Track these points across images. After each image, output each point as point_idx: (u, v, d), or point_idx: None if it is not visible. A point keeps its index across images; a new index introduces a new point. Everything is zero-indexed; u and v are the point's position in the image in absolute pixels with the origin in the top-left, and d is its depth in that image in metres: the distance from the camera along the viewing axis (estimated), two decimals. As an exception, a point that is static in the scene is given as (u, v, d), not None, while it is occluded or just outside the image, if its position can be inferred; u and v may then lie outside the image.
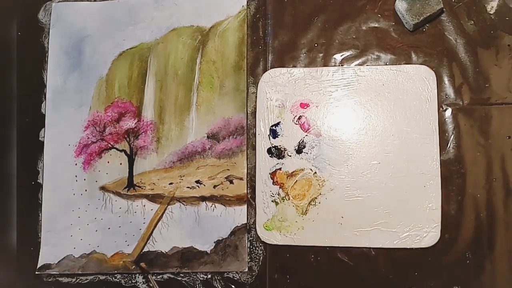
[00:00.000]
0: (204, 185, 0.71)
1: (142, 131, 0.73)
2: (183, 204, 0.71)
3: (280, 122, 0.70)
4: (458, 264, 0.64)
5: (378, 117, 0.68)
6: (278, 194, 0.69)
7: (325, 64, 0.71)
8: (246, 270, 0.68)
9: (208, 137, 0.72)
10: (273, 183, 0.69)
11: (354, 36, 0.71)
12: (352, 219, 0.66)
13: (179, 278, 0.69)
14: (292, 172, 0.69)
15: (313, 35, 0.72)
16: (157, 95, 0.74)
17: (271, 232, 0.68)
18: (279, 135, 0.70)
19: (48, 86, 0.76)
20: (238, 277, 0.68)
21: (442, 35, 0.69)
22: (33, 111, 0.76)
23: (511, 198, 0.64)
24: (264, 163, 0.69)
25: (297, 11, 0.73)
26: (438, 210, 0.65)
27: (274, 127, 0.70)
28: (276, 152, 0.69)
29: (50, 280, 0.72)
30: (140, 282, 0.70)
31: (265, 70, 0.72)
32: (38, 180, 0.75)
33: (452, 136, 0.67)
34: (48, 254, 0.72)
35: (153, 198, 0.72)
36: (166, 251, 0.70)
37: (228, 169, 0.71)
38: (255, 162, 0.70)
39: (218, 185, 0.70)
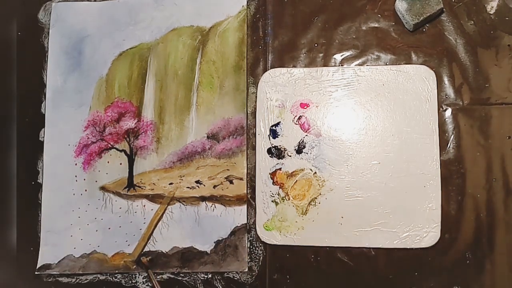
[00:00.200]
0: (204, 185, 0.71)
1: (142, 131, 0.74)
2: (183, 204, 0.71)
3: (280, 122, 0.70)
4: (458, 264, 0.64)
5: (378, 117, 0.68)
6: (278, 194, 0.69)
7: (325, 64, 0.71)
8: (246, 270, 0.68)
9: (208, 137, 0.72)
10: (273, 183, 0.69)
11: (354, 36, 0.71)
12: (352, 219, 0.66)
13: (179, 278, 0.69)
14: (292, 172, 0.69)
15: (313, 35, 0.72)
16: (157, 95, 0.74)
17: (271, 232, 0.68)
18: (279, 135, 0.70)
19: (48, 86, 0.76)
20: (238, 277, 0.68)
21: (442, 35, 0.69)
22: (33, 111, 0.76)
23: (511, 198, 0.64)
24: (264, 163, 0.69)
25: (297, 11, 0.73)
26: (438, 210, 0.65)
27: (274, 127, 0.70)
28: (276, 152, 0.69)
29: (50, 280, 0.72)
30: (140, 282, 0.70)
31: (265, 70, 0.72)
32: (38, 180, 0.75)
33: (452, 136, 0.67)
34: (48, 254, 0.72)
35: (153, 198, 0.72)
36: (167, 251, 0.70)
37: (228, 169, 0.71)
38: (255, 162, 0.70)
39: (218, 185, 0.70)
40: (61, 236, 0.72)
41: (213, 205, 0.70)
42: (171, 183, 0.72)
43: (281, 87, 0.71)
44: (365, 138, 0.68)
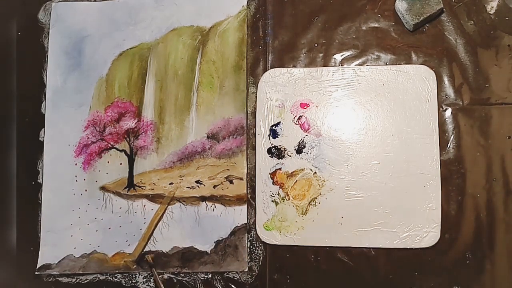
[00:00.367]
0: (204, 185, 0.71)
1: (142, 131, 0.74)
2: (183, 204, 0.71)
3: (280, 122, 0.70)
4: (458, 264, 0.64)
5: (378, 117, 0.68)
6: (278, 194, 0.69)
7: (325, 64, 0.71)
8: (246, 270, 0.68)
9: (208, 137, 0.72)
10: (273, 183, 0.69)
11: (354, 36, 0.71)
12: (352, 219, 0.66)
13: (180, 278, 0.69)
14: (292, 172, 0.69)
15: (313, 35, 0.72)
16: (157, 95, 0.74)
17: (271, 232, 0.68)
18: (279, 135, 0.70)
19: (48, 86, 0.76)
20: (238, 277, 0.68)
21: (442, 35, 0.69)
22: (33, 111, 0.76)
23: (511, 198, 0.64)
24: (264, 163, 0.69)
25: (297, 11, 0.73)
26: (438, 210, 0.65)
27: (274, 127, 0.70)
28: (276, 152, 0.69)
29: (50, 280, 0.72)
30: (141, 282, 0.70)
31: (265, 70, 0.72)
32: (38, 180, 0.75)
33: (452, 136, 0.67)
34: (48, 254, 0.72)
35: (153, 198, 0.72)
36: (167, 251, 0.70)
37: (228, 169, 0.71)
38: (255, 162, 0.70)
39: (218, 185, 0.70)
40: (61, 236, 0.72)
41: (213, 205, 0.70)
42: (171, 183, 0.72)
43: (281, 87, 0.71)
44: (365, 138, 0.68)
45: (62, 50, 0.77)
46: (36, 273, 0.72)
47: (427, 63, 0.68)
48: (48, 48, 0.78)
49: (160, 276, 0.70)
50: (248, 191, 0.70)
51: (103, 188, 0.73)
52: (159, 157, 0.73)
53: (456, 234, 0.65)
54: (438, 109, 0.67)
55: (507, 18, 0.68)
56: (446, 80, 0.68)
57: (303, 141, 0.69)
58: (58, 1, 0.79)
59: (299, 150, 0.69)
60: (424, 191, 0.65)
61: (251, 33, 0.74)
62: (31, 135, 0.76)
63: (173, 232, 0.70)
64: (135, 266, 0.70)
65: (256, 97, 0.71)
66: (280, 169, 0.69)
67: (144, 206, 0.72)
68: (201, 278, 0.69)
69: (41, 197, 0.74)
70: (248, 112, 0.72)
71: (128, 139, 0.74)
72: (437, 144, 0.66)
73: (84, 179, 0.74)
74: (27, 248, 0.73)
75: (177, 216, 0.71)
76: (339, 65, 0.71)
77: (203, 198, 0.71)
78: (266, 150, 0.70)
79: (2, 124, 0.71)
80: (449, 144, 0.67)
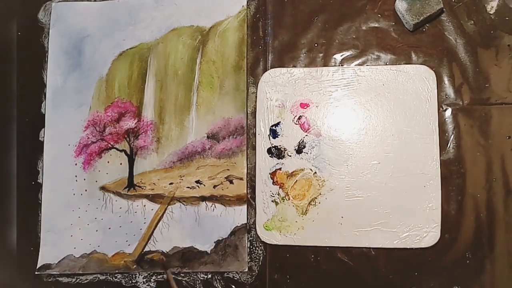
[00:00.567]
0: (204, 185, 0.71)
1: (142, 131, 0.74)
2: (183, 204, 0.71)
3: (280, 122, 0.70)
4: (458, 264, 0.64)
5: (378, 117, 0.68)
6: (278, 194, 0.69)
7: (325, 64, 0.71)
8: (246, 270, 0.68)
9: (208, 137, 0.72)
10: (273, 183, 0.69)
11: (354, 36, 0.71)
12: (352, 219, 0.66)
13: (180, 278, 0.69)
14: (292, 172, 0.69)
15: (313, 35, 0.72)
16: (157, 95, 0.74)
17: (271, 232, 0.68)
18: (279, 135, 0.70)
19: (48, 86, 0.76)
20: (238, 277, 0.68)
21: (442, 35, 0.69)
22: (33, 111, 0.76)
23: (511, 198, 0.64)
24: (264, 163, 0.69)
25: (297, 11, 0.73)
26: (438, 210, 0.65)
27: (274, 127, 0.70)
28: (276, 152, 0.69)
29: (50, 280, 0.72)
30: (141, 282, 0.70)
31: (265, 70, 0.72)
32: (38, 180, 0.75)
33: (452, 136, 0.67)
34: (48, 254, 0.72)
35: (153, 198, 0.72)
36: (167, 251, 0.70)
37: (228, 169, 0.71)
38: (255, 162, 0.70)
39: (218, 185, 0.70)
40: (61, 236, 0.72)
41: (213, 205, 0.70)
42: (171, 183, 0.72)
43: (281, 87, 0.71)
44: (365, 138, 0.68)
45: (62, 50, 0.77)
46: (36, 273, 0.72)
47: (427, 63, 0.68)
48: (48, 48, 0.78)
49: (161, 276, 0.70)
50: (248, 191, 0.70)
51: (103, 188, 0.73)
52: (159, 157, 0.73)
53: (456, 234, 0.65)
54: (438, 109, 0.67)
55: (507, 18, 0.68)
56: (446, 80, 0.68)
57: (303, 141, 0.69)
58: (58, 1, 0.79)
59: (299, 150, 0.69)
60: (424, 191, 0.65)
61: (251, 33, 0.74)
62: (31, 135, 0.76)
63: (173, 232, 0.70)
64: (135, 266, 0.70)
65: (256, 97, 0.71)
66: (280, 169, 0.69)
67: (144, 206, 0.72)
68: (201, 278, 0.69)
69: (41, 197, 0.74)
70: (248, 112, 0.72)
71: (128, 139, 0.74)
72: (437, 144, 0.66)
73: (84, 179, 0.74)
74: (27, 248, 0.73)
75: (177, 216, 0.71)
76: (339, 65, 0.71)
77: (203, 198, 0.71)
78: (266, 150, 0.70)
79: (2, 124, 0.71)
80: (449, 144, 0.67)
